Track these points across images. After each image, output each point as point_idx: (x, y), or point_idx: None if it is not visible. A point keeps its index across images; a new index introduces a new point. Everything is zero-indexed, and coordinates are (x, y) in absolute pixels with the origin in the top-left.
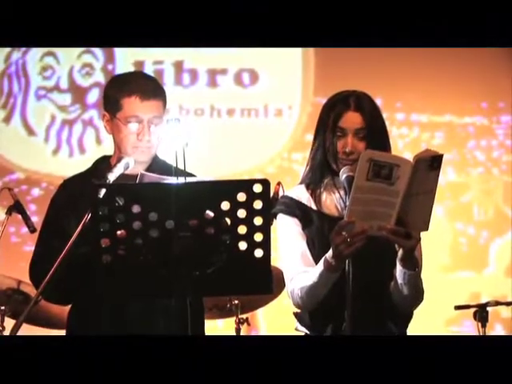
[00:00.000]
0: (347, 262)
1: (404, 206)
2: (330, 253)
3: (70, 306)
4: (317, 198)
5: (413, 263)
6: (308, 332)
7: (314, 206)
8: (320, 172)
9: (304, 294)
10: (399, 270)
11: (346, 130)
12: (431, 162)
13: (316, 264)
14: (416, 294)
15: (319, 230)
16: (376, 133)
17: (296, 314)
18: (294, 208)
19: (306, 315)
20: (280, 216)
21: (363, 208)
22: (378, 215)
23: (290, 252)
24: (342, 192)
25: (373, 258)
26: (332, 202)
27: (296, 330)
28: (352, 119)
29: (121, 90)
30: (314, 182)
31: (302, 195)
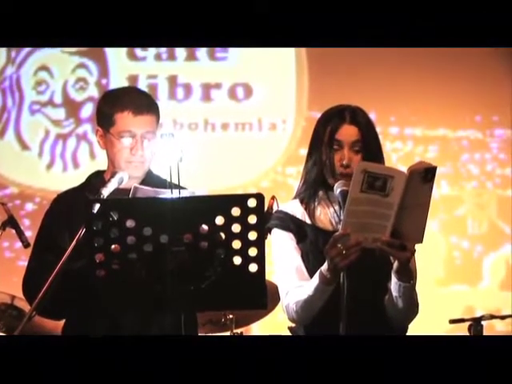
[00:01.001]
0: (342, 275)
1: (398, 218)
2: (325, 266)
3: (63, 321)
4: (311, 213)
5: (408, 275)
6: None
7: (308, 221)
8: (314, 186)
9: (299, 308)
10: (394, 283)
11: (343, 142)
12: (425, 174)
13: (311, 278)
14: (411, 307)
15: (314, 244)
16: (371, 145)
17: (291, 329)
18: (289, 222)
19: (300, 330)
20: (275, 230)
21: (358, 220)
22: (372, 227)
23: (285, 266)
24: (336, 206)
25: (367, 271)
26: (326, 216)
27: None
28: (348, 132)
29: (114, 105)
30: (308, 196)
31: (297, 210)
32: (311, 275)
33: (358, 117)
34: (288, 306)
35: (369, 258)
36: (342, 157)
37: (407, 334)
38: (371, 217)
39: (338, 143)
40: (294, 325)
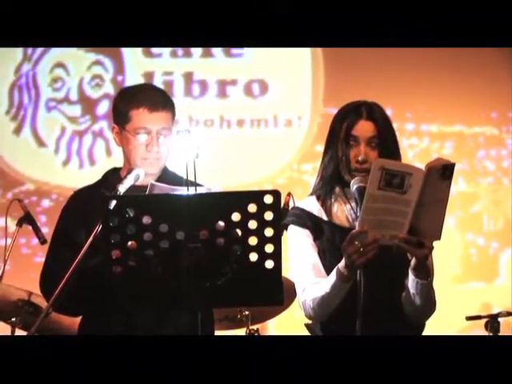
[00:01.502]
0: (359, 272)
1: (416, 215)
2: (342, 263)
3: (80, 318)
4: (328, 209)
5: (425, 272)
6: None
7: (325, 217)
8: (331, 183)
9: (316, 305)
10: (412, 280)
11: (359, 138)
12: (443, 171)
13: (328, 275)
14: (428, 304)
15: (330, 241)
16: (388, 142)
17: (307, 326)
18: (306, 219)
19: (317, 326)
20: (291, 227)
21: (375, 217)
22: (390, 224)
23: (302, 263)
24: (352, 203)
25: (384, 268)
26: (343, 212)
27: None
28: (364, 128)
29: (129, 102)
30: (324, 192)
31: (313, 206)
32: (328, 272)
33: (374, 113)
34: (305, 303)
35: (386, 255)
36: (358, 153)
37: (424, 331)
38: (388, 214)
39: (355, 139)
40: (310, 321)
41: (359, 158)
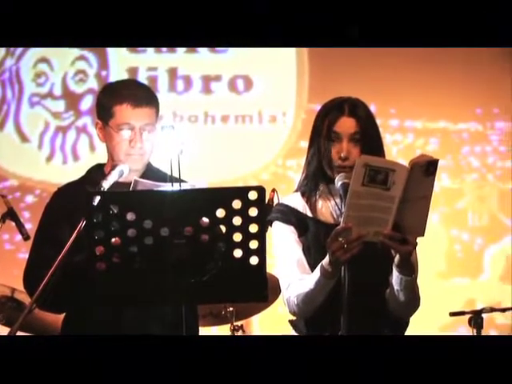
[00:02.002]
0: (343, 268)
1: (400, 212)
2: (326, 259)
3: (64, 315)
4: (312, 206)
5: (409, 269)
6: None
7: (309, 214)
8: (315, 179)
9: (300, 302)
10: (396, 276)
11: (341, 134)
12: (427, 167)
13: (312, 271)
14: (412, 301)
15: (315, 237)
16: (370, 138)
17: (291, 322)
18: (290, 215)
19: (301, 323)
20: (276, 224)
21: (359, 214)
22: (374, 221)
23: (286, 260)
24: (337, 199)
25: (369, 264)
26: (327, 209)
27: None
28: (346, 124)
29: (113, 98)
30: (309, 189)
31: (298, 203)
32: (312, 269)
33: (357, 109)
34: (289, 300)
35: (370, 252)
36: (340, 149)
37: (408, 326)
38: (372, 210)
39: (337, 135)
40: (294, 318)
41: (341, 155)
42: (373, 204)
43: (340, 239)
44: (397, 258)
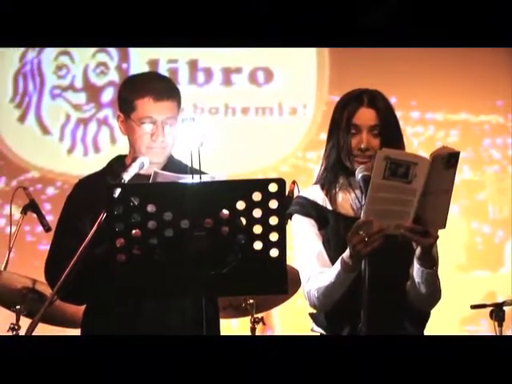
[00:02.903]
0: (364, 261)
1: (421, 204)
2: (347, 253)
3: (84, 306)
4: (332, 198)
5: (431, 261)
6: (324, 333)
7: (329, 206)
8: (335, 172)
9: (320, 295)
10: (417, 269)
11: (360, 126)
12: (448, 159)
13: (332, 264)
14: (433, 293)
15: (335, 230)
16: (390, 129)
17: (312, 315)
18: (310, 208)
19: (321, 316)
20: (295, 216)
21: (380, 207)
22: (395, 214)
23: (306, 253)
24: (357, 192)
25: (389, 257)
26: (347, 201)
27: (312, 330)
28: (366, 115)
29: (134, 91)
30: (328, 181)
31: (318, 195)
32: (333, 261)
33: (376, 100)
34: (309, 293)
35: (391, 244)
36: (360, 141)
37: (429, 319)
38: (394, 203)
39: (356, 127)
40: (314, 311)
41: (362, 146)
42: (394, 197)
43: (361, 232)
44: (418, 251)
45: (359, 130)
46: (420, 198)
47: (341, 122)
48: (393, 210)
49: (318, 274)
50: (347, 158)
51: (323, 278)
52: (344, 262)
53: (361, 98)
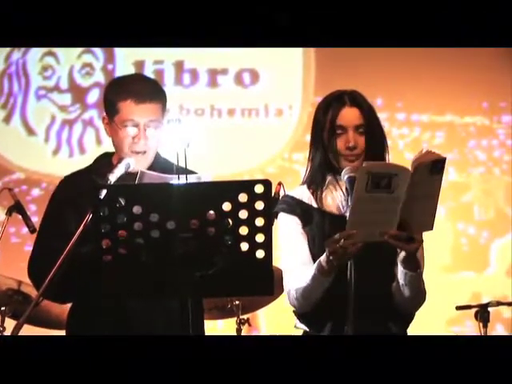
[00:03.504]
0: (350, 262)
1: (407, 209)
2: (324, 256)
3: (69, 306)
4: (318, 197)
5: (414, 265)
6: (307, 329)
7: (314, 204)
8: (321, 172)
9: (299, 296)
10: (400, 271)
11: (346, 126)
12: (432, 166)
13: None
14: (417, 296)
15: (320, 228)
16: (374, 128)
17: (296, 312)
18: (295, 207)
19: (307, 314)
20: (281, 215)
21: (364, 218)
22: (379, 222)
23: (289, 251)
24: (344, 190)
25: (375, 258)
26: (334, 200)
27: (295, 327)
28: (350, 115)
29: (117, 94)
30: (315, 181)
31: (304, 194)
32: (316, 259)
33: (357, 100)
34: (289, 293)
35: (377, 245)
36: (347, 140)
37: (414, 320)
38: (377, 213)
39: (341, 127)
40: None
41: (349, 145)
42: (377, 207)
43: (339, 244)
44: (402, 254)
45: (345, 130)
46: (405, 204)
47: (324, 124)
48: (377, 219)
49: (299, 274)
50: (334, 158)
51: (302, 279)
52: (321, 265)
53: (342, 98)
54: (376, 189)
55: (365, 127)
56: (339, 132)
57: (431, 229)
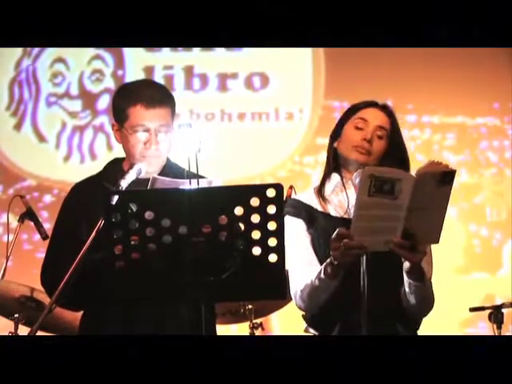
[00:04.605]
0: (362, 263)
1: (411, 219)
2: (328, 260)
3: (81, 313)
4: (324, 199)
5: (419, 275)
6: (316, 333)
7: (319, 207)
8: (329, 172)
9: (306, 297)
10: (405, 281)
11: (368, 121)
12: (441, 178)
13: (321, 265)
14: (423, 304)
15: (325, 231)
16: (396, 139)
17: (304, 316)
18: (301, 209)
19: (315, 317)
20: (287, 218)
21: (368, 224)
22: (383, 230)
23: (296, 254)
24: (350, 192)
25: (388, 262)
26: (340, 202)
27: (305, 331)
28: (376, 113)
29: (126, 100)
30: (322, 183)
31: (310, 197)
32: (321, 262)
33: (389, 108)
34: (296, 294)
35: (388, 251)
36: (366, 133)
37: (428, 321)
38: (381, 219)
39: (364, 121)
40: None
41: (367, 137)
42: (381, 214)
43: (341, 243)
44: (406, 265)
45: (366, 125)
46: (408, 214)
47: (348, 117)
48: (380, 226)
49: (305, 276)
50: (346, 149)
51: (308, 281)
52: (325, 268)
53: (374, 103)
54: (379, 193)
55: (387, 134)
56: (360, 126)
57: (437, 242)
